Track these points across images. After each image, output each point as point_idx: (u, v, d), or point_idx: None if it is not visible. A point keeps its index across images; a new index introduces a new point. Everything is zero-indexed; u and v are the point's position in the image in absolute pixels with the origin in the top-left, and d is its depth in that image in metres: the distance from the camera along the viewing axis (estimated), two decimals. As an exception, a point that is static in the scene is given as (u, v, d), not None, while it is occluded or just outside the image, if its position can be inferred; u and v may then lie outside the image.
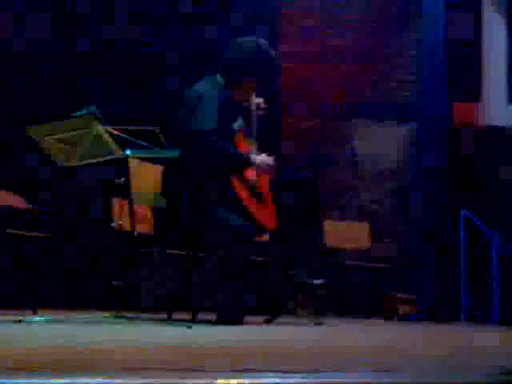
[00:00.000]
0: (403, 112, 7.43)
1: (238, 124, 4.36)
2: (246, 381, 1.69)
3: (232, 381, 1.68)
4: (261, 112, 4.45)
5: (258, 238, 4.42)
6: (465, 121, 7.12)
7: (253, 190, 4.25)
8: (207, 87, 4.19)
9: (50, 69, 6.15)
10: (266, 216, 4.30)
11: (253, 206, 4.20)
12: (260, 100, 4.44)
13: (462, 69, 7.10)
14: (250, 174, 4.26)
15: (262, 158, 4.28)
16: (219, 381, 1.67)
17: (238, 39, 4.36)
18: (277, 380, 1.71)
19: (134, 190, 4.09)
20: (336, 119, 7.46)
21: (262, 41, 4.34)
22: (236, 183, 4.15)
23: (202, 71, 4.37)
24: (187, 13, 6.62)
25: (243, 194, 4.17)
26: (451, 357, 2.54)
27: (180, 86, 4.42)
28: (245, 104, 4.38)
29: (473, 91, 7.22)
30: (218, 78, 4.28)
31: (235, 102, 4.32)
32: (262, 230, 4.32)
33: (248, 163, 4.21)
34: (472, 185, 6.91)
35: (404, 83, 7.52)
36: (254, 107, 4.38)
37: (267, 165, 4.28)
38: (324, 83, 7.48)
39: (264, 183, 4.38)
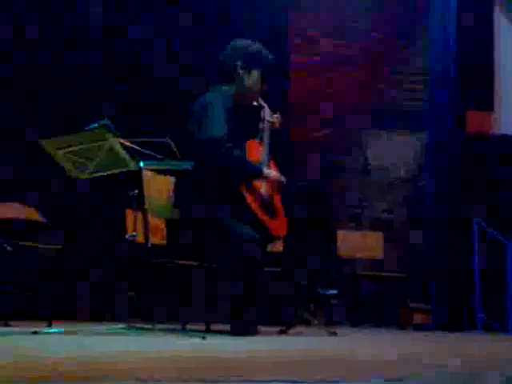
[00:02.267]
0: (415, 121, 7.42)
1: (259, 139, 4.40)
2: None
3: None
4: (277, 125, 4.48)
5: (271, 249, 4.43)
6: (478, 129, 7.11)
7: (263, 200, 4.25)
8: (212, 97, 4.22)
9: (63, 81, 6.19)
10: (277, 227, 4.31)
11: (263, 216, 4.20)
12: (276, 115, 4.47)
13: (475, 77, 7.08)
14: (261, 185, 4.27)
15: (274, 174, 4.30)
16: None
17: (232, 43, 4.43)
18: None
19: (147, 201, 4.11)
20: (348, 129, 7.46)
21: (258, 44, 4.41)
22: (247, 194, 4.16)
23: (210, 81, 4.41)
24: (198, 26, 6.65)
25: (253, 204, 4.18)
26: (465, 367, 2.53)
27: (190, 98, 4.45)
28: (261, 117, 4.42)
29: (486, 100, 7.20)
30: (223, 87, 4.31)
31: (245, 110, 4.34)
32: (273, 239, 4.32)
33: (259, 174, 4.21)
34: (486, 194, 6.88)
35: (416, 92, 7.52)
36: (265, 117, 4.40)
37: (278, 182, 4.29)
38: (335, 93, 7.49)
39: (276, 195, 4.38)
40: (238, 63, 4.32)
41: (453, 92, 6.89)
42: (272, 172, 4.31)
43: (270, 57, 4.40)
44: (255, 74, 4.35)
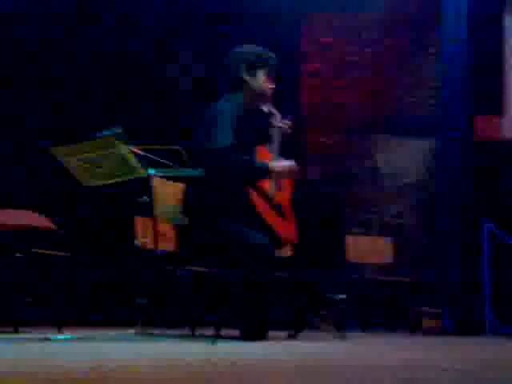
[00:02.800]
0: (426, 126, 7.42)
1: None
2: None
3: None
4: (288, 131, 4.48)
5: (279, 254, 4.43)
6: (488, 134, 7.10)
7: (272, 203, 4.26)
8: (225, 105, 4.24)
9: (75, 93, 6.23)
10: (286, 229, 4.32)
11: (272, 220, 4.21)
12: (286, 121, 4.48)
13: (486, 81, 7.08)
14: (269, 186, 4.27)
15: (283, 164, 4.28)
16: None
17: (235, 48, 4.45)
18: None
19: (157, 208, 4.13)
20: (359, 134, 7.47)
21: (260, 48, 4.43)
22: (255, 198, 4.17)
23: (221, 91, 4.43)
24: (209, 33, 6.68)
25: (263, 208, 4.19)
26: (477, 370, 2.53)
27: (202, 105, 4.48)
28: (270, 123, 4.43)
29: (496, 104, 7.19)
30: (233, 95, 4.33)
31: (255, 116, 4.36)
32: (283, 243, 4.33)
33: (267, 171, 4.20)
34: (497, 198, 6.87)
35: (427, 97, 7.52)
36: (275, 122, 4.41)
37: (289, 169, 4.27)
38: (347, 99, 7.51)
39: (284, 197, 4.39)
40: (242, 68, 4.34)
41: (464, 97, 6.89)
42: (279, 163, 4.28)
43: (271, 55, 4.42)
44: (260, 74, 4.37)
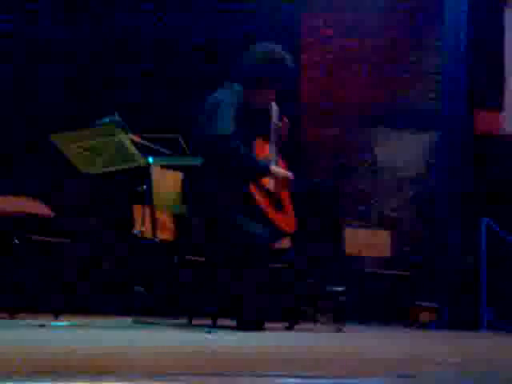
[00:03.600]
0: (425, 120, 7.41)
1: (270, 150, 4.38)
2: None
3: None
4: (285, 131, 4.46)
5: (278, 246, 4.43)
6: (488, 129, 7.09)
7: (272, 197, 4.26)
8: (225, 94, 4.23)
9: (75, 79, 6.21)
10: (285, 222, 4.31)
11: (272, 213, 4.21)
12: (285, 121, 4.44)
13: (486, 76, 7.07)
14: (269, 181, 4.27)
15: (282, 172, 4.29)
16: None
17: (252, 46, 4.37)
18: (301, 385, 1.71)
19: (155, 197, 4.11)
20: (358, 128, 7.46)
21: (277, 48, 4.35)
22: (255, 190, 4.16)
23: (222, 80, 4.40)
24: (210, 25, 6.66)
25: (262, 200, 4.18)
26: (474, 365, 2.53)
27: (201, 94, 4.45)
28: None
29: (496, 99, 7.18)
30: (234, 85, 4.31)
31: (254, 109, 4.33)
32: (282, 234, 4.32)
33: (267, 172, 4.21)
34: (496, 193, 6.87)
35: (427, 91, 7.51)
36: (274, 117, 4.38)
37: (285, 178, 4.29)
38: (346, 92, 7.49)
39: (283, 190, 4.38)
40: (260, 85, 4.28)
41: (464, 91, 6.88)
42: (279, 169, 4.30)
43: (288, 63, 4.34)
44: (266, 92, 4.33)
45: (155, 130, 3.90)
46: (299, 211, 4.40)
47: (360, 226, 7.06)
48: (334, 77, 7.52)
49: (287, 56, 4.33)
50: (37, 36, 6.13)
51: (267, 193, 4.24)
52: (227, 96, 4.21)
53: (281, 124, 4.42)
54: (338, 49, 7.56)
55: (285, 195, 4.39)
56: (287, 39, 6.44)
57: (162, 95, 6.40)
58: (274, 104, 4.38)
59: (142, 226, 4.56)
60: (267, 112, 4.37)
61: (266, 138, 4.41)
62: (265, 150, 4.35)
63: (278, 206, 4.29)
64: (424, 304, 6.59)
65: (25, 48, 6.12)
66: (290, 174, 4.32)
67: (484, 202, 6.77)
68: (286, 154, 4.48)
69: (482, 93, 7.06)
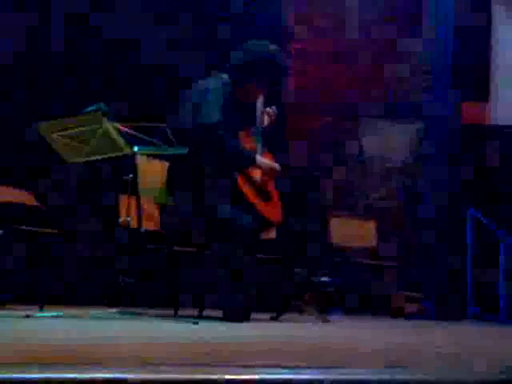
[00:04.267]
0: (412, 110, 7.41)
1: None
2: (257, 376, 1.69)
3: (243, 376, 1.68)
4: (269, 119, 4.44)
5: (264, 236, 4.42)
6: (474, 120, 7.11)
7: (258, 187, 4.25)
8: (212, 83, 4.22)
9: (61, 68, 6.17)
10: (272, 212, 4.31)
11: (258, 203, 4.20)
12: (270, 109, 4.43)
13: (472, 68, 7.08)
14: (256, 172, 4.26)
15: (268, 163, 4.29)
16: (229, 376, 1.67)
17: (247, 43, 4.36)
18: (289, 376, 1.70)
19: (141, 186, 4.09)
20: (346, 119, 7.45)
21: (272, 46, 4.34)
22: (241, 180, 4.16)
23: (209, 69, 4.38)
24: (198, 11, 6.62)
25: (248, 191, 4.18)
26: (461, 355, 2.53)
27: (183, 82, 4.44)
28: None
29: (482, 90, 7.20)
30: (224, 75, 4.29)
31: (241, 101, 4.32)
32: (268, 224, 4.32)
33: (253, 162, 4.21)
34: (482, 184, 6.89)
35: (415, 83, 7.51)
36: (259, 108, 4.37)
37: (272, 170, 4.28)
38: (335, 83, 7.47)
39: (270, 181, 4.38)
40: (251, 81, 4.26)
41: (450, 82, 6.90)
42: (265, 160, 4.30)
43: (280, 67, 4.33)
44: (255, 91, 4.32)
45: (141, 118, 3.88)
46: (285, 201, 4.40)
47: (346, 216, 7.07)
48: (322, 67, 7.49)
49: (279, 51, 4.34)
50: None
51: (253, 183, 4.23)
52: (214, 84, 4.20)
53: (268, 112, 4.41)
54: (328, 39, 7.53)
55: (271, 186, 4.39)
56: (276, 27, 6.43)
57: (149, 83, 6.37)
58: (262, 99, 4.37)
59: (127, 215, 4.54)
60: (254, 103, 4.36)
61: (253, 129, 4.40)
62: (249, 141, 4.34)
63: (265, 196, 4.29)
64: (410, 294, 6.61)
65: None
66: (276, 166, 4.31)
67: (471, 191, 6.80)
68: (272, 143, 4.47)
69: (469, 84, 7.07)
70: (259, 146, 4.36)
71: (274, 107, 4.46)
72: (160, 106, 5.61)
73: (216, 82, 4.21)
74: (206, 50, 6.19)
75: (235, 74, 4.27)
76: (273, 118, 4.49)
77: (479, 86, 7.19)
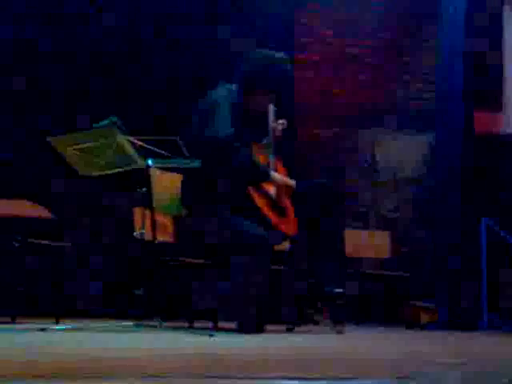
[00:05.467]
0: (424, 120, 7.41)
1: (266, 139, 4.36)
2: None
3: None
4: (279, 132, 4.43)
5: (278, 247, 4.42)
6: (487, 130, 7.08)
7: (273, 202, 4.24)
8: (222, 94, 4.20)
9: (70, 81, 6.21)
10: (286, 225, 4.30)
11: (273, 216, 4.19)
12: (281, 121, 4.42)
13: (485, 77, 7.06)
14: (270, 187, 4.24)
15: (283, 179, 4.27)
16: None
17: (253, 51, 4.36)
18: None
19: (155, 199, 4.11)
20: (355, 128, 7.45)
21: (279, 54, 4.34)
22: (255, 194, 4.15)
23: (217, 79, 4.39)
24: (206, 28, 6.66)
25: (262, 204, 4.17)
26: (475, 365, 2.52)
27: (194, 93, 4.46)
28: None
29: (495, 100, 7.18)
30: (233, 86, 4.29)
31: (251, 111, 4.31)
32: (282, 237, 4.31)
33: (266, 177, 4.20)
34: (495, 194, 6.87)
35: (425, 91, 7.51)
36: (271, 120, 4.36)
37: (287, 187, 4.26)
38: (344, 92, 7.48)
39: (285, 197, 4.35)
40: (259, 90, 4.27)
41: (462, 92, 6.88)
42: (280, 176, 4.27)
43: (286, 75, 4.33)
44: (263, 100, 4.32)
45: (154, 131, 3.90)
46: (299, 212, 4.39)
47: (359, 227, 7.06)
48: (330, 77, 7.51)
49: (286, 59, 4.34)
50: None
51: (267, 196, 4.23)
52: (223, 96, 4.19)
53: (278, 125, 4.40)
54: (333, 48, 7.54)
55: (286, 202, 4.37)
56: (280, 37, 6.45)
57: (161, 97, 6.40)
58: (271, 106, 4.35)
59: (142, 228, 4.56)
60: (264, 114, 4.34)
61: (264, 140, 4.39)
62: (262, 154, 4.33)
63: (280, 211, 4.27)
64: (423, 305, 6.59)
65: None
66: (292, 182, 4.29)
67: (484, 202, 6.77)
68: (282, 154, 4.46)
69: (482, 93, 7.05)
70: (272, 159, 4.35)
71: (284, 120, 4.45)
72: (173, 118, 5.65)
73: (224, 93, 4.20)
74: (219, 62, 6.21)
75: (243, 83, 4.27)
76: (280, 130, 4.47)
77: (492, 96, 7.17)
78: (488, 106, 7.12)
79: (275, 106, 4.35)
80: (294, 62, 6.96)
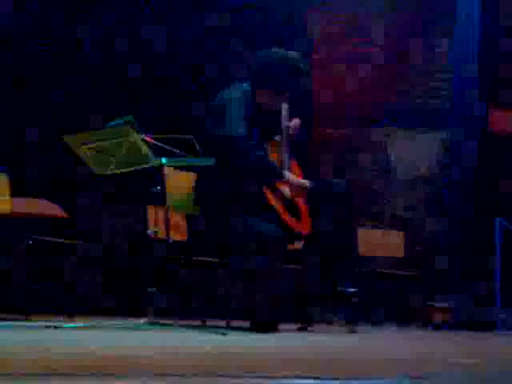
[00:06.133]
0: (437, 119, 7.38)
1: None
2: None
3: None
4: (292, 131, 4.42)
5: (291, 246, 4.41)
6: (502, 128, 7.05)
7: (287, 202, 4.23)
8: (235, 94, 4.20)
9: (87, 80, 6.24)
10: (300, 225, 4.29)
11: (287, 216, 4.19)
12: (295, 121, 4.41)
13: (499, 76, 7.03)
14: (284, 187, 4.23)
15: (297, 180, 4.26)
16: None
17: (266, 51, 4.36)
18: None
19: (168, 198, 4.12)
20: (368, 127, 7.43)
21: (293, 53, 4.33)
22: (269, 193, 4.14)
23: (231, 79, 4.39)
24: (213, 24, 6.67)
25: (277, 203, 4.16)
26: (489, 366, 2.52)
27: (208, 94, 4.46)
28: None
29: (510, 98, 7.14)
30: (246, 85, 4.29)
31: (263, 111, 4.31)
32: (295, 236, 4.30)
33: (280, 177, 4.19)
34: (510, 193, 6.83)
35: (439, 90, 7.48)
36: (284, 119, 4.35)
37: (301, 187, 4.25)
38: (355, 92, 7.46)
39: (299, 197, 4.34)
40: (273, 89, 4.26)
41: (476, 90, 6.85)
42: (294, 177, 4.26)
43: (301, 74, 4.33)
44: (276, 98, 4.31)
45: (168, 130, 3.91)
46: (312, 211, 4.38)
47: (373, 227, 7.04)
48: (341, 76, 7.49)
49: (301, 58, 4.33)
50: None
51: (281, 195, 4.22)
52: (237, 96, 4.19)
53: (292, 124, 4.39)
54: (346, 48, 7.53)
55: (301, 201, 4.36)
56: (296, 39, 6.45)
57: (175, 95, 6.42)
58: (284, 104, 4.35)
59: (155, 226, 4.57)
60: (278, 113, 4.34)
61: (274, 140, 4.38)
62: (276, 153, 4.32)
63: (294, 211, 4.26)
64: (437, 305, 6.56)
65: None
66: (306, 182, 4.28)
67: (498, 201, 6.74)
68: (296, 154, 4.45)
69: (497, 91, 7.02)
70: (286, 158, 4.34)
71: (297, 119, 4.43)
72: (187, 118, 5.66)
73: (237, 93, 4.20)
74: (232, 62, 6.22)
75: (255, 82, 4.27)
76: (297, 128, 4.46)
77: (507, 94, 7.13)
78: (502, 104, 7.09)
79: (288, 102, 4.34)
80: (308, 63, 6.99)
